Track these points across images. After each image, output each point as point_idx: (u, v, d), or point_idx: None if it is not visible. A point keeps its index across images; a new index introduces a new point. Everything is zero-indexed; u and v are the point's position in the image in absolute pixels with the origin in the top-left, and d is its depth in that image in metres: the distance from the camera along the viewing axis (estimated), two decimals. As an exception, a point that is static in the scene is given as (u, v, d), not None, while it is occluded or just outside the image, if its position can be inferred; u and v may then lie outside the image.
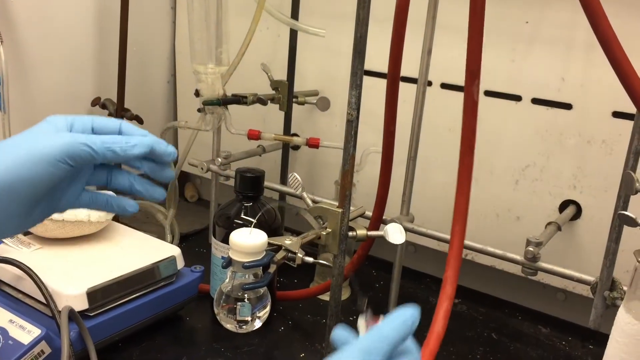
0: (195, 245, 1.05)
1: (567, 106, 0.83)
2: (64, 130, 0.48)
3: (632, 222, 0.55)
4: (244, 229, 0.64)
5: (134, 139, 0.49)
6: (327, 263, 0.63)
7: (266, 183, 0.86)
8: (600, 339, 0.84)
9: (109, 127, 0.50)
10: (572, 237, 0.85)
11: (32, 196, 0.46)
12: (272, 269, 0.59)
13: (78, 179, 0.50)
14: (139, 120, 1.05)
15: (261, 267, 0.62)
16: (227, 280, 0.63)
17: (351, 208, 0.62)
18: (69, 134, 0.47)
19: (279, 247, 0.61)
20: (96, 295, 0.69)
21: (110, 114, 1.05)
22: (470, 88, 0.64)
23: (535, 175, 0.87)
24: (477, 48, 0.63)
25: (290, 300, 0.88)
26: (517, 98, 0.86)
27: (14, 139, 0.47)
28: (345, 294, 0.92)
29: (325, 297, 0.88)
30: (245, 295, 0.61)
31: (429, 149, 0.89)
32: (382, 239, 0.65)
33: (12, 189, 0.44)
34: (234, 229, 0.65)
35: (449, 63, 0.89)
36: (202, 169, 0.97)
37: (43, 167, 0.45)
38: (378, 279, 0.99)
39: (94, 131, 0.49)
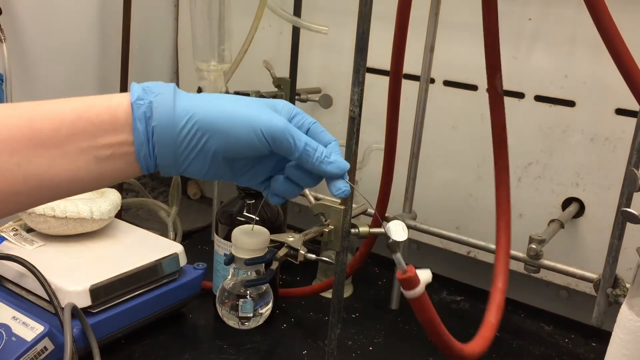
0: (197, 242, 1.06)
1: (570, 103, 0.83)
2: (284, 116, 0.50)
3: (635, 219, 0.55)
4: (247, 225, 0.64)
5: (335, 157, 0.51)
6: (329, 260, 0.63)
7: (269, 180, 0.86)
8: (602, 337, 0.84)
9: (322, 140, 0.52)
10: (574, 234, 0.85)
11: (222, 151, 0.47)
12: (275, 265, 0.59)
13: (263, 164, 0.52)
14: (141, 117, 1.05)
15: (263, 264, 0.62)
16: (229, 277, 0.63)
17: (353, 205, 0.62)
18: (284, 120, 0.49)
19: (281, 244, 0.61)
20: (99, 292, 0.69)
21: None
22: (493, 81, 0.64)
23: (538, 172, 0.87)
24: (495, 42, 0.63)
25: (292, 297, 0.88)
26: (520, 95, 0.86)
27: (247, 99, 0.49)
28: (347, 292, 0.92)
29: (328, 294, 0.88)
30: (248, 292, 0.61)
31: (432, 146, 0.89)
32: (384, 236, 0.65)
33: (214, 129, 0.46)
34: (236, 226, 0.65)
35: (452, 60, 0.89)
36: (204, 166, 0.97)
37: (247, 132, 0.47)
38: (380, 276, 0.99)
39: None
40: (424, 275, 0.54)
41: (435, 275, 0.99)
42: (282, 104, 0.51)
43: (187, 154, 0.47)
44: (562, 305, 0.92)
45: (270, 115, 0.48)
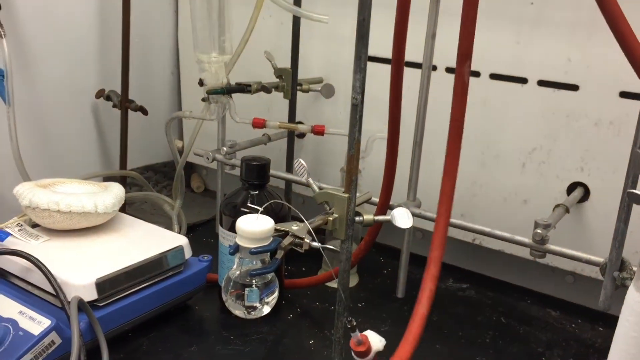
0: (202, 235, 1.06)
1: (574, 87, 0.82)
2: None
3: (641, 201, 0.55)
4: (251, 215, 0.64)
5: None
6: (334, 247, 0.63)
7: (272, 171, 0.86)
8: (609, 321, 0.84)
9: None
10: (580, 219, 0.85)
11: None
12: (280, 254, 0.59)
13: None
14: (143, 111, 1.05)
15: (268, 253, 0.62)
16: (234, 266, 0.63)
17: (357, 194, 0.62)
18: None
19: (286, 233, 0.61)
20: (105, 285, 0.69)
21: (114, 105, 1.05)
22: (461, 69, 0.64)
23: (542, 158, 0.86)
24: (470, 29, 0.63)
25: (298, 288, 0.88)
26: (523, 80, 0.86)
27: None
28: (353, 281, 0.92)
29: (333, 284, 0.88)
30: (253, 281, 0.61)
31: (435, 134, 0.89)
32: (389, 225, 0.64)
33: None
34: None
35: (454, 47, 0.89)
36: (207, 158, 0.97)
37: None
38: (386, 265, 0.99)
39: None
40: (377, 345, 0.60)
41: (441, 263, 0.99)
42: None
43: None
44: (568, 291, 0.92)
45: None
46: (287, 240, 0.59)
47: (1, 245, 0.73)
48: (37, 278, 0.69)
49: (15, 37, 0.94)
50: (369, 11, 0.57)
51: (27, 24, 0.96)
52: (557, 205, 0.80)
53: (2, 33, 0.87)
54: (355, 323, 0.58)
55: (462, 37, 0.64)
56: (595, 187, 0.83)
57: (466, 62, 0.65)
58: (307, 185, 0.70)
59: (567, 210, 0.80)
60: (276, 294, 0.63)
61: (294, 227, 0.60)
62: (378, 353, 0.59)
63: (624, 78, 0.78)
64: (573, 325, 0.84)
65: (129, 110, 1.05)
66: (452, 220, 0.82)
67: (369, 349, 0.58)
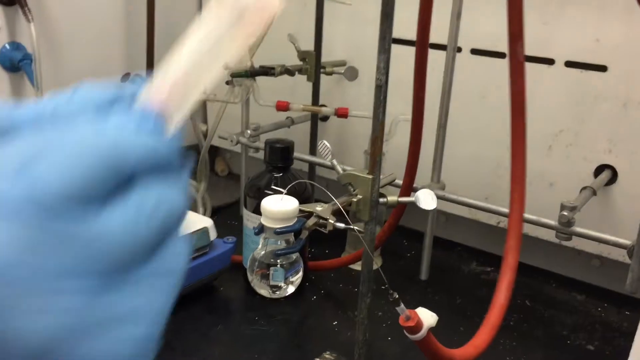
0: (226, 218, 1.07)
1: (602, 68, 0.81)
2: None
3: (671, 182, 0.54)
4: (276, 195, 0.64)
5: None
6: (358, 228, 0.63)
7: (295, 154, 0.86)
8: (636, 305, 0.83)
9: None
10: (607, 202, 0.84)
11: None
12: (304, 235, 0.60)
13: None
14: (168, 95, 1.05)
15: (293, 234, 0.62)
16: (259, 246, 0.64)
17: (381, 175, 0.62)
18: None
19: (310, 214, 0.61)
20: (132, 265, 0.70)
21: (140, 90, 1.06)
22: (514, 49, 0.63)
23: (570, 140, 0.85)
24: (518, 6, 0.62)
25: (322, 270, 0.89)
26: (550, 61, 0.84)
27: None
28: (376, 264, 0.92)
29: (357, 266, 0.89)
30: (278, 260, 0.62)
31: (460, 116, 0.88)
32: (412, 207, 0.64)
33: None
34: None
35: (479, 27, 0.88)
36: (231, 141, 0.98)
37: None
38: (409, 248, 0.99)
39: None
40: (429, 320, 0.55)
41: (464, 247, 0.99)
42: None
43: None
44: (594, 275, 0.91)
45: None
46: (312, 221, 0.60)
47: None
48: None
49: (42, 21, 0.95)
50: (394, -10, 0.57)
51: (54, 8, 0.97)
52: (584, 188, 0.79)
53: (29, 17, 0.88)
54: (397, 296, 0.53)
55: (511, 16, 0.63)
56: (623, 169, 0.82)
57: (518, 41, 0.63)
58: (332, 167, 0.70)
59: (594, 193, 0.79)
60: (300, 274, 0.64)
61: (318, 207, 0.61)
62: (431, 329, 0.56)
63: (655, 58, 0.76)
64: (599, 309, 0.84)
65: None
66: (477, 202, 0.82)
67: (419, 324, 0.54)
